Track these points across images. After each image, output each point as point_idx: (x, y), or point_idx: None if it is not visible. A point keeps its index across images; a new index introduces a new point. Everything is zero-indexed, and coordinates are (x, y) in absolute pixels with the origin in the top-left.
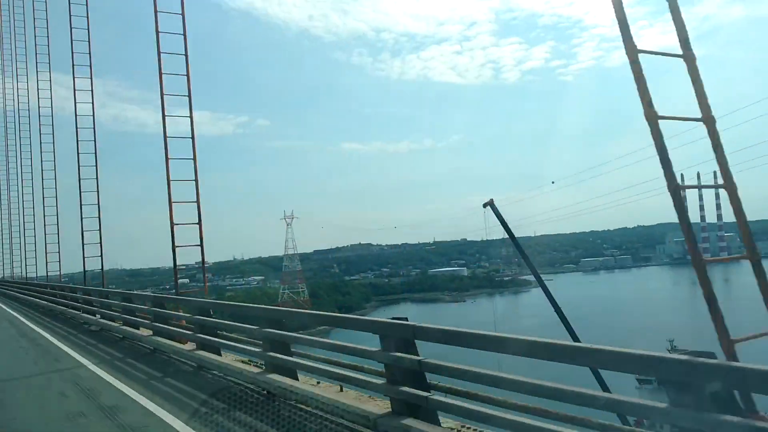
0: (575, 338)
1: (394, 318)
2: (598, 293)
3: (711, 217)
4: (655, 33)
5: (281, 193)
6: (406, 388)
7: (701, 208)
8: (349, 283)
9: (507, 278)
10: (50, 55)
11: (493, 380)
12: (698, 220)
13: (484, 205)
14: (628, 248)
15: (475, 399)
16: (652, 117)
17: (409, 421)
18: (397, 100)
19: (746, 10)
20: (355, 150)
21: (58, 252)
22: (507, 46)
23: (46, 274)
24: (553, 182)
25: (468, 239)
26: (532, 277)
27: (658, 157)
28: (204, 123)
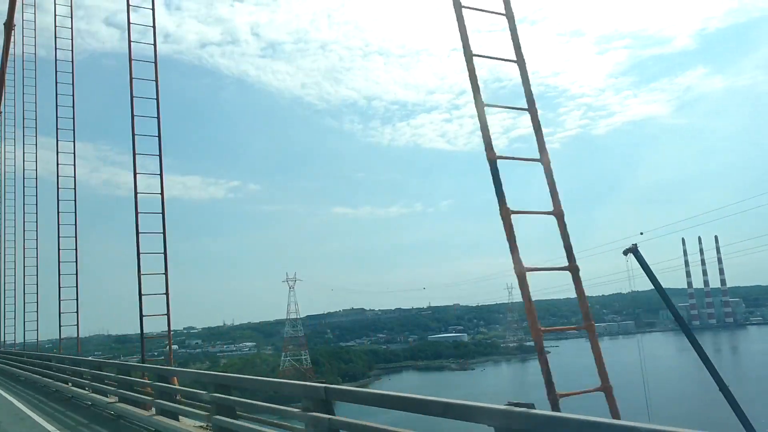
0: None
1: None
2: (612, 359)
3: (714, 282)
4: (639, 102)
5: (271, 258)
6: None
7: (704, 272)
8: (349, 349)
9: (512, 345)
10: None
11: None
12: (702, 286)
13: (625, 252)
14: (629, 314)
15: None
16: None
17: None
18: (387, 166)
19: (726, 81)
20: (346, 214)
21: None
22: (495, 114)
23: (24, 341)
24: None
25: (461, 304)
26: (550, 343)
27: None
28: (194, 188)
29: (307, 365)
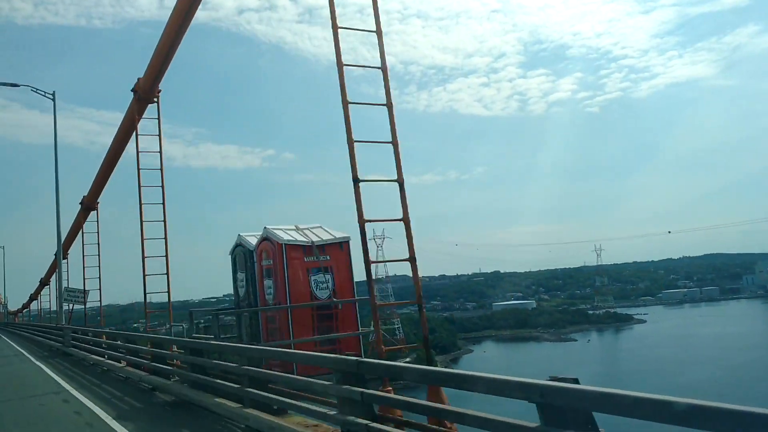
0: None
1: None
2: (730, 330)
3: None
4: (683, 63)
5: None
6: None
7: None
8: (430, 317)
9: (600, 312)
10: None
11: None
12: None
13: None
14: (700, 279)
15: None
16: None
17: None
18: (422, 133)
19: None
20: (380, 182)
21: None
22: (534, 77)
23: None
24: None
25: (501, 271)
26: (628, 311)
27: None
28: (230, 157)
29: (400, 336)
